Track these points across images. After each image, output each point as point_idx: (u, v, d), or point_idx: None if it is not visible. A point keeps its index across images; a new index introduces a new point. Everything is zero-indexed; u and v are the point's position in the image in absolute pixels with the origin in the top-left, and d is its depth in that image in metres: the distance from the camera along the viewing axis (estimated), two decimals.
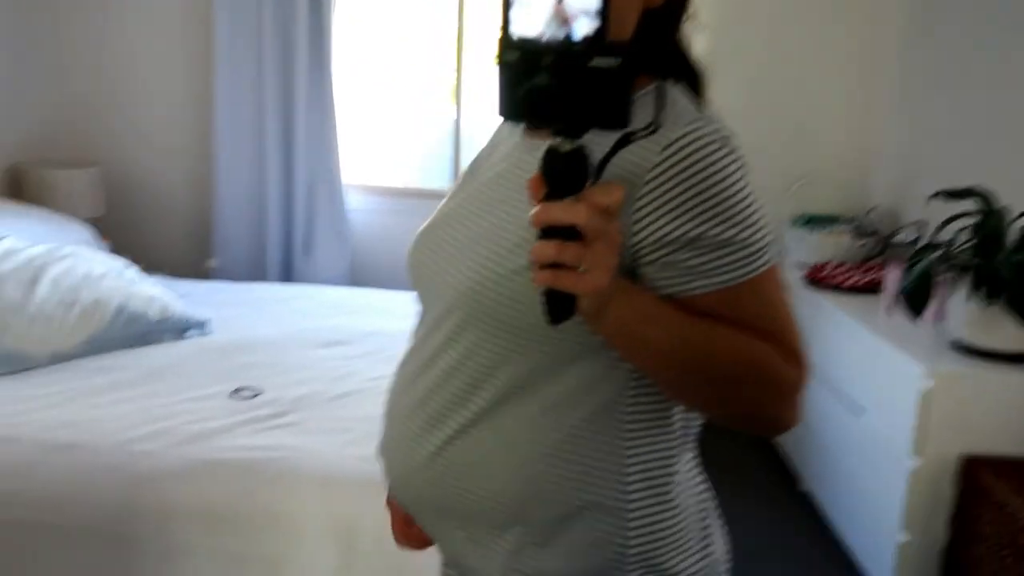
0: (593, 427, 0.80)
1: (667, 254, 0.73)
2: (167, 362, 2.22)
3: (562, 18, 0.60)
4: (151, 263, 3.54)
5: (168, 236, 3.60)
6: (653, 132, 0.71)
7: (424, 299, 0.91)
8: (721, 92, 0.95)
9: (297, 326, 2.56)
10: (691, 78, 0.84)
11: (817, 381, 2.48)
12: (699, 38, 0.87)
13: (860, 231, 3.04)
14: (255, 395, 2.01)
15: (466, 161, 3.61)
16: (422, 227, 0.93)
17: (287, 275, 3.48)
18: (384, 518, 1.00)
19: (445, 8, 3.39)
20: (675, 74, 0.82)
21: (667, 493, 0.82)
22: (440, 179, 3.62)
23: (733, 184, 0.72)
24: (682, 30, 0.85)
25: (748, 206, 0.73)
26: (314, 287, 3.06)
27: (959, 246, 2.03)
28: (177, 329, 2.43)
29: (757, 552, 2.45)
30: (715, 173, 0.71)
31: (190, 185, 3.55)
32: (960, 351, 2.05)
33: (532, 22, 0.61)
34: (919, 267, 2.00)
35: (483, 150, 0.96)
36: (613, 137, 0.67)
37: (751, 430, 0.80)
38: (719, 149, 0.72)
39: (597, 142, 0.72)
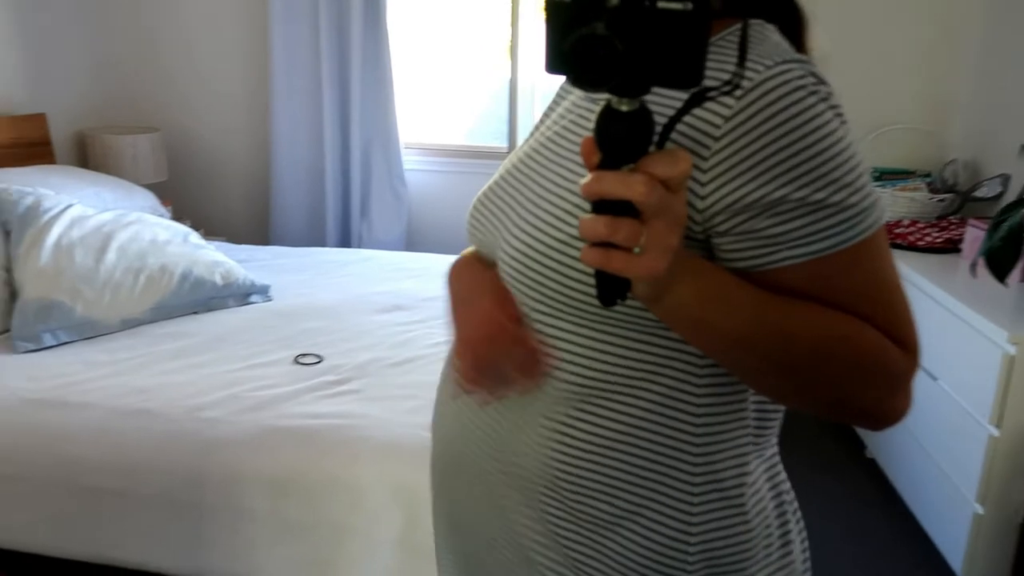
0: (655, 417, 0.72)
1: (744, 221, 0.63)
2: (232, 328, 2.25)
3: None
4: (211, 229, 3.61)
5: (227, 200, 3.64)
6: (734, 89, 0.58)
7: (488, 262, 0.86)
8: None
9: (356, 291, 2.57)
10: (786, 19, 0.72)
11: None
12: None
13: (937, 186, 2.89)
14: (318, 361, 2.03)
15: (522, 119, 3.53)
16: (483, 188, 0.87)
17: (344, 237, 3.50)
18: None
19: None
20: (765, 14, 0.70)
21: (739, 496, 0.74)
22: (496, 137, 3.56)
23: (826, 136, 0.61)
24: None
25: (844, 162, 0.62)
26: (371, 251, 3.06)
27: None
28: (240, 294, 2.46)
29: (821, 519, 2.40)
30: (804, 124, 0.61)
31: (248, 149, 3.57)
32: None
33: None
34: (1005, 225, 1.89)
35: (552, 101, 0.89)
36: (681, 94, 0.59)
37: (849, 422, 0.69)
38: (810, 95, 0.62)
39: (662, 100, 0.65)
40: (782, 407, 0.79)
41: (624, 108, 0.51)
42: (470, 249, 0.91)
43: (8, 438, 1.72)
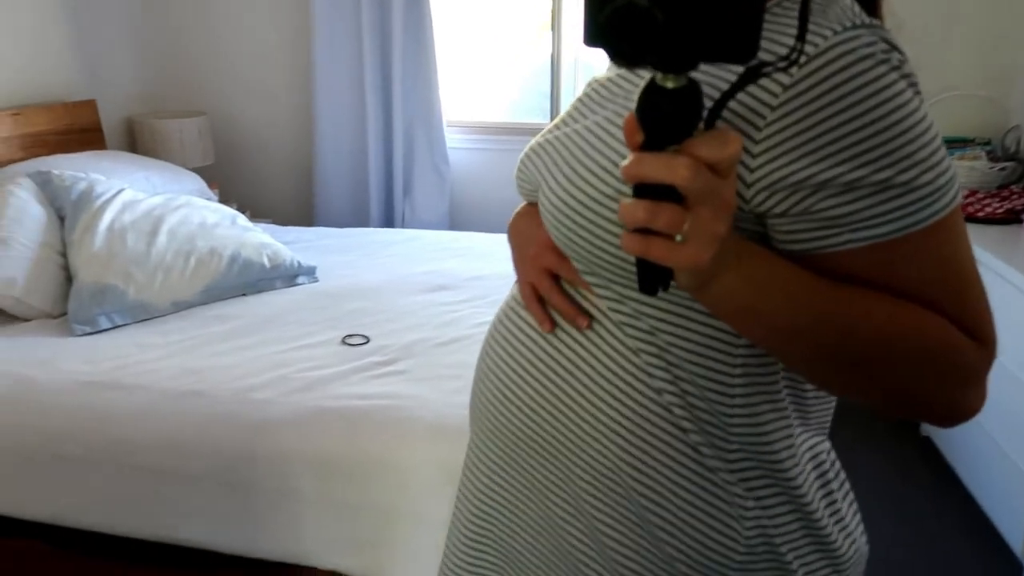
0: (687, 395, 0.68)
1: (800, 200, 0.58)
2: (280, 309, 2.28)
3: None
4: (256, 210, 3.65)
5: (272, 182, 3.68)
6: (793, 64, 0.53)
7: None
8: None
9: (401, 271, 2.57)
10: None
11: None
12: None
13: (997, 154, 2.78)
14: (365, 341, 2.04)
15: (565, 94, 3.48)
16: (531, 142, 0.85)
17: (388, 217, 3.51)
18: None
19: None
20: None
21: (790, 481, 0.71)
22: (538, 113, 3.52)
23: (896, 109, 0.56)
24: None
25: (916, 137, 0.57)
26: (415, 231, 3.07)
27: None
28: (288, 276, 2.49)
29: (875, 499, 2.35)
30: (872, 96, 0.55)
31: (292, 131, 3.59)
32: None
33: None
34: None
35: None
36: (732, 69, 0.55)
37: (914, 419, 0.65)
38: (880, 64, 0.56)
39: (712, 73, 0.60)
40: (829, 396, 0.75)
41: (670, 85, 0.46)
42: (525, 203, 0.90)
43: (65, 420, 1.77)
